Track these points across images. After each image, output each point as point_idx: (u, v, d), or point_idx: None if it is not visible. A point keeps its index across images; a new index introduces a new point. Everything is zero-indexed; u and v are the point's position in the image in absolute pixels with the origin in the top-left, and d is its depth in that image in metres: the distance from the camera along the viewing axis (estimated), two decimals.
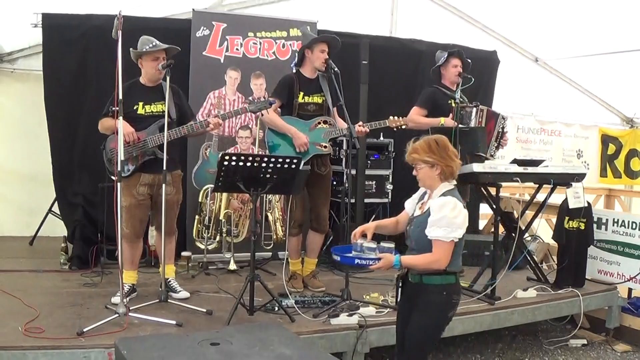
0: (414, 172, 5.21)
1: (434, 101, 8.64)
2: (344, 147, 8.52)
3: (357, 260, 5.18)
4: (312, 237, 7.86)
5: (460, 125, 7.79)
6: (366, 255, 5.16)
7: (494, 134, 8.49)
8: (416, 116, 8.53)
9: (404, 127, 7.77)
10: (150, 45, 6.83)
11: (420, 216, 5.17)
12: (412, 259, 5.10)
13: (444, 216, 4.91)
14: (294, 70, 7.77)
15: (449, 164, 5.07)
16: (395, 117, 7.74)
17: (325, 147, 7.50)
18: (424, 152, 5.11)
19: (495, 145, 8.57)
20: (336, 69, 7.29)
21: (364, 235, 5.34)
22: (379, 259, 5.05)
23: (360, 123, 7.62)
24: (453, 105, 8.25)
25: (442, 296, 5.05)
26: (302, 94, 7.55)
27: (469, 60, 8.83)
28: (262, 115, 7.30)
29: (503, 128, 8.62)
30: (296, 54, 8.25)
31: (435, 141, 5.15)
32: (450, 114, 8.30)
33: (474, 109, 8.32)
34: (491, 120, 8.47)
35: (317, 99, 7.58)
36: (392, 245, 5.22)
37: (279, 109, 7.62)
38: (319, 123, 7.56)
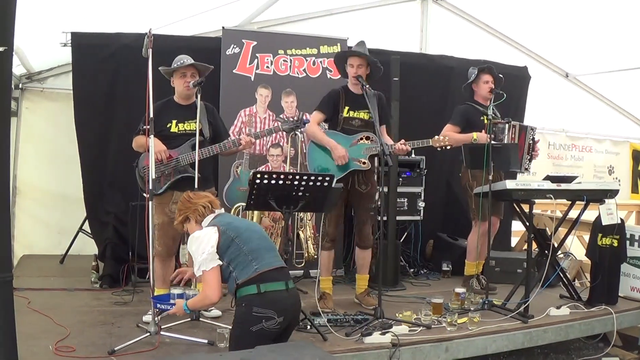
0: None
1: (467, 118, 8.58)
2: (376, 164, 8.48)
3: (158, 305, 5.84)
4: (358, 253, 7.88)
5: (492, 142, 7.73)
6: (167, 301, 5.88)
7: (525, 147, 8.44)
8: (449, 132, 8.49)
9: (448, 147, 7.60)
10: (179, 63, 6.87)
11: None
12: (193, 300, 5.47)
13: (192, 253, 5.37)
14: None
15: (194, 209, 5.63)
16: (440, 137, 7.61)
17: (364, 163, 7.43)
18: (176, 218, 5.82)
19: (528, 158, 8.52)
20: (367, 87, 7.26)
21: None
22: (174, 304, 5.56)
23: (403, 141, 7.54)
24: (485, 121, 8.20)
25: (241, 308, 5.19)
26: (347, 108, 7.51)
27: (501, 76, 8.78)
28: (304, 128, 7.34)
29: (533, 139, 8.55)
30: (327, 72, 8.22)
31: (180, 202, 5.87)
32: (483, 130, 8.25)
33: (506, 125, 8.26)
34: (522, 134, 8.43)
35: (363, 115, 7.51)
36: (197, 292, 5.83)
37: (324, 123, 7.69)
38: (362, 139, 7.50)
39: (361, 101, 7.48)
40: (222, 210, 5.81)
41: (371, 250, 7.88)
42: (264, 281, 5.15)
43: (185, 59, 6.89)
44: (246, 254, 5.21)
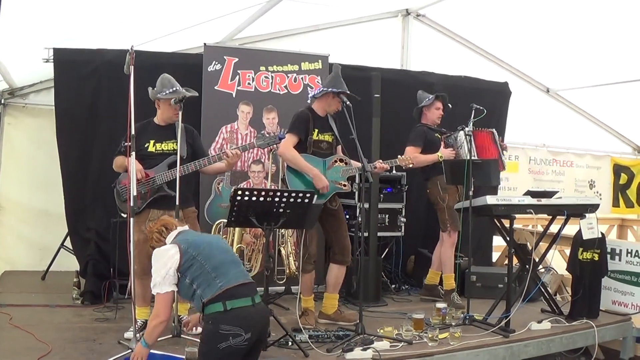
0: None
1: (426, 138, 8.84)
2: (357, 180, 8.50)
3: None
4: (336, 271, 7.71)
5: (473, 159, 7.80)
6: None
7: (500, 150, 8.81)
8: (414, 154, 8.53)
9: (410, 165, 7.97)
10: (171, 90, 6.86)
11: None
12: (146, 331, 5.48)
13: (153, 268, 5.36)
14: (309, 101, 7.69)
15: (151, 237, 5.69)
16: (405, 157, 7.98)
17: (344, 185, 7.50)
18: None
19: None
20: (348, 103, 7.25)
21: None
22: None
23: (380, 161, 7.70)
24: (440, 136, 8.49)
25: (208, 326, 5.14)
26: (316, 131, 7.50)
27: (450, 105, 9.14)
28: (277, 149, 7.34)
29: (500, 139, 8.99)
30: (309, 88, 8.23)
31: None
32: (441, 145, 8.43)
33: (460, 132, 8.42)
34: (488, 139, 8.64)
35: (327, 137, 7.57)
36: None
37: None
38: (336, 162, 7.56)
39: (325, 124, 7.59)
40: (185, 226, 5.80)
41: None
42: (230, 298, 5.13)
43: (175, 86, 6.91)
44: (209, 272, 5.20)
